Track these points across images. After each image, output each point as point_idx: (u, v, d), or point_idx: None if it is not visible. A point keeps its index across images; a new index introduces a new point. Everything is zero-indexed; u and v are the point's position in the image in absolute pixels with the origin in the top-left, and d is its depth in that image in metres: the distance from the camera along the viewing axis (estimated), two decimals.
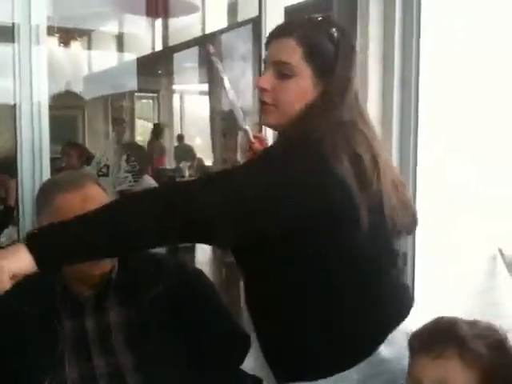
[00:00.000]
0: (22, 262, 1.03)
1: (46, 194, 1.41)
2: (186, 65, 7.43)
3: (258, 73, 2.58)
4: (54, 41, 6.01)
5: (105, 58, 7.64)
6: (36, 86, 1.88)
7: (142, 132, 9.30)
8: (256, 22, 2.64)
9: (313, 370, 1.23)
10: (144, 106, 9.29)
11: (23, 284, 1.41)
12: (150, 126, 9.71)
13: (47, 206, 1.37)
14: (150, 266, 1.50)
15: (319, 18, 1.29)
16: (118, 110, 7.81)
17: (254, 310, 1.31)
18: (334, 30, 1.25)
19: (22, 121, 1.87)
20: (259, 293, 1.28)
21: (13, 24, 1.87)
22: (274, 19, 2.40)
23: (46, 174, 1.87)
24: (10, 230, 3.10)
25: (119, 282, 1.42)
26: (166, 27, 6.90)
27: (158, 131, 7.75)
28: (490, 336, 1.15)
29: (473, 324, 1.18)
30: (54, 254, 1.07)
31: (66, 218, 1.14)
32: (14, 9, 1.85)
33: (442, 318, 1.20)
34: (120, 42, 7.54)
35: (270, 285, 1.25)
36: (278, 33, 1.27)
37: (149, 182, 3.83)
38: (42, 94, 1.89)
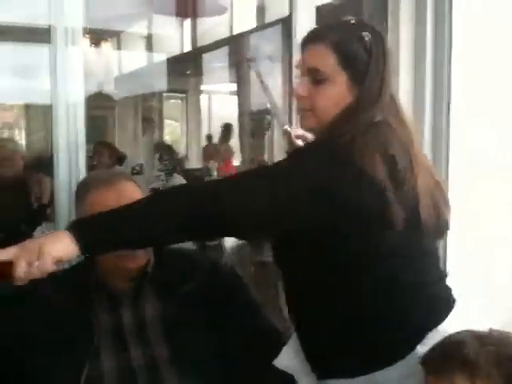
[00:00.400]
0: (65, 247, 1.08)
1: (82, 190, 1.46)
2: (215, 65, 7.47)
3: (288, 73, 2.60)
4: (85, 42, 6.11)
5: (134, 59, 7.73)
6: (72, 87, 1.92)
7: (170, 132, 9.39)
8: (286, 22, 2.66)
9: (352, 367, 1.25)
10: (172, 106, 9.37)
11: (60, 276, 1.47)
12: (178, 125, 9.80)
13: (83, 201, 1.42)
14: (183, 262, 1.53)
15: (352, 22, 1.32)
16: (147, 110, 7.89)
17: (294, 306, 1.33)
18: (366, 33, 1.27)
19: (59, 121, 1.91)
20: (298, 290, 1.30)
21: (49, 26, 1.92)
22: (305, 19, 2.42)
23: (82, 173, 1.91)
24: (43, 227, 3.17)
25: (154, 276, 1.46)
26: (194, 28, 6.95)
27: (227, 132, 7.37)
28: (501, 352, 1.12)
29: (484, 338, 1.15)
30: (96, 241, 1.12)
31: None
32: (50, 11, 1.90)
33: (450, 337, 1.18)
34: (149, 42, 7.61)
35: (309, 282, 1.26)
36: (311, 38, 1.30)
37: (179, 180, 3.88)
38: (77, 95, 1.93)
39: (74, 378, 1.32)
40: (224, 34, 6.43)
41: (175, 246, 1.47)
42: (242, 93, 5.55)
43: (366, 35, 1.26)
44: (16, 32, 4.92)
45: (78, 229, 1.10)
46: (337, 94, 1.26)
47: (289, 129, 1.59)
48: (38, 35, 2.27)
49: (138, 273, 1.43)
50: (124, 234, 1.13)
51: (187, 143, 8.31)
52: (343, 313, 1.25)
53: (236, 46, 5.76)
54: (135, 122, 7.96)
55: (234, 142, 6.97)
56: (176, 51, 7.45)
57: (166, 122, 9.10)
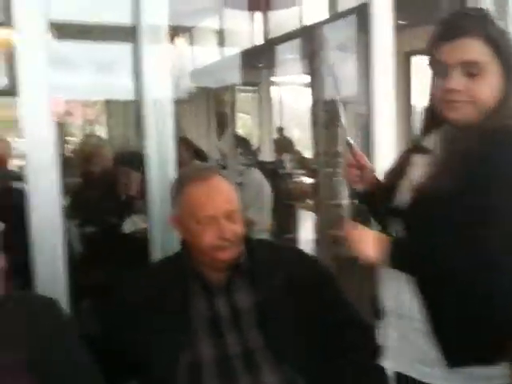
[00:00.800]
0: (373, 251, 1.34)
1: (177, 185, 1.53)
2: (286, 57, 7.48)
3: (365, 63, 2.58)
4: None
5: (206, 54, 7.85)
6: (159, 83, 2.00)
7: (242, 125, 9.49)
8: (361, 11, 2.64)
9: (485, 355, 1.29)
10: (243, 99, 9.46)
11: (162, 266, 1.56)
12: (249, 118, 9.88)
13: (179, 196, 1.49)
14: (272, 253, 1.57)
15: (484, 12, 1.36)
16: (220, 103, 8.01)
17: (427, 297, 1.34)
18: (500, 23, 1.32)
19: (148, 117, 1.98)
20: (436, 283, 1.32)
21: (134, 25, 2.00)
22: (382, 7, 2.41)
23: (172, 167, 1.99)
24: (133, 219, 3.32)
25: (246, 267, 1.51)
26: (266, 20, 6.99)
27: None
28: None
29: None
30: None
31: (194, 208, 1.41)
32: (135, 10, 1.98)
33: None
34: (221, 36, 7.72)
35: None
36: (456, 33, 1.31)
37: (257, 174, 3.91)
38: (165, 90, 2.00)
39: (173, 362, 1.39)
40: (295, 25, 6.43)
41: (264, 237, 1.51)
42: (314, 84, 5.53)
43: (501, 24, 1.32)
44: (99, 31, 5.12)
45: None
46: (494, 85, 1.31)
47: (351, 141, 1.60)
48: (125, 34, 2.36)
49: (231, 264, 1.48)
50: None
51: (259, 136, 8.37)
52: (481, 301, 1.27)
53: (308, 37, 5.74)
54: (208, 116, 8.10)
55: (304, 133, 6.98)
56: (247, 44, 7.52)
57: (238, 115, 9.21)
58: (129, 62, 2.17)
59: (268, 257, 1.55)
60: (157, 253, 1.99)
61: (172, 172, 1.95)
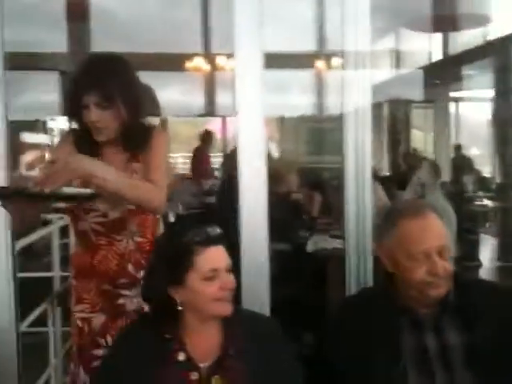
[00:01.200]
0: None
1: (390, 217, 1.52)
2: (466, 73, 7.22)
3: None
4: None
5: (382, 72, 7.83)
6: (359, 103, 2.09)
7: (415, 142, 9.27)
8: None
9: None
10: (417, 114, 9.25)
11: (367, 297, 1.60)
12: (422, 135, 9.61)
13: (389, 229, 1.49)
14: (483, 294, 1.52)
15: None
16: (394, 119, 7.92)
17: None
18: None
19: (348, 137, 2.05)
20: None
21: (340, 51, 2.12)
22: None
23: (368, 186, 2.05)
24: (315, 238, 3.44)
25: (455, 304, 1.48)
26: (445, 39, 6.81)
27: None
28: None
29: None
30: None
31: (408, 243, 1.41)
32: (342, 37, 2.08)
33: None
34: (397, 56, 7.65)
35: None
36: None
37: (441, 200, 3.79)
38: (364, 110, 2.08)
39: None
40: (477, 41, 6.18)
41: (475, 277, 1.48)
42: (502, 99, 5.26)
43: None
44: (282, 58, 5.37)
45: None
46: None
47: None
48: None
49: (440, 300, 1.47)
50: None
51: (435, 153, 8.10)
52: None
53: (496, 52, 5.48)
54: (381, 132, 8.04)
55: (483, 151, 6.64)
56: (424, 62, 7.39)
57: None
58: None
59: (477, 297, 1.50)
60: (351, 273, 2.04)
61: (368, 192, 1.99)
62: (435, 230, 1.46)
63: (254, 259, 1.92)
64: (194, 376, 1.36)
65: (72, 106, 1.65)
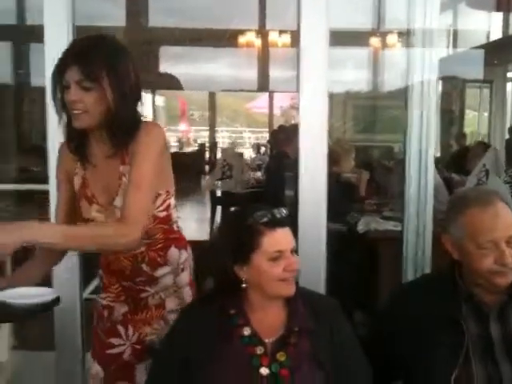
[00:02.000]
0: None
1: (457, 205, 1.50)
2: None
3: None
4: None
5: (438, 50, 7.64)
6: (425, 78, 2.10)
7: (469, 123, 9.03)
8: None
9: None
10: (471, 94, 8.99)
11: (428, 283, 1.60)
12: (475, 115, 9.33)
13: (457, 217, 1.47)
14: None
15: None
16: (448, 98, 7.72)
17: None
18: None
19: (413, 122, 2.04)
20: None
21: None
22: None
23: (430, 169, 2.02)
24: (366, 219, 3.42)
25: None
26: (506, 17, 6.57)
27: None
28: None
29: None
30: None
31: (476, 232, 1.39)
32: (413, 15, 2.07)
33: None
34: (454, 34, 7.43)
35: None
36: None
37: (502, 186, 3.66)
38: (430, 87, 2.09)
39: (445, 377, 1.41)
40: None
41: None
42: None
43: None
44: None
45: None
46: None
47: None
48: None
49: (506, 289, 1.46)
50: None
51: (489, 135, 7.87)
52: None
53: None
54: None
55: None
56: (482, 41, 7.17)
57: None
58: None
59: None
60: (409, 255, 2.03)
61: (431, 175, 1.96)
62: (504, 219, 1.43)
63: (312, 238, 1.94)
64: (260, 351, 1.38)
65: (54, 89, 1.49)
